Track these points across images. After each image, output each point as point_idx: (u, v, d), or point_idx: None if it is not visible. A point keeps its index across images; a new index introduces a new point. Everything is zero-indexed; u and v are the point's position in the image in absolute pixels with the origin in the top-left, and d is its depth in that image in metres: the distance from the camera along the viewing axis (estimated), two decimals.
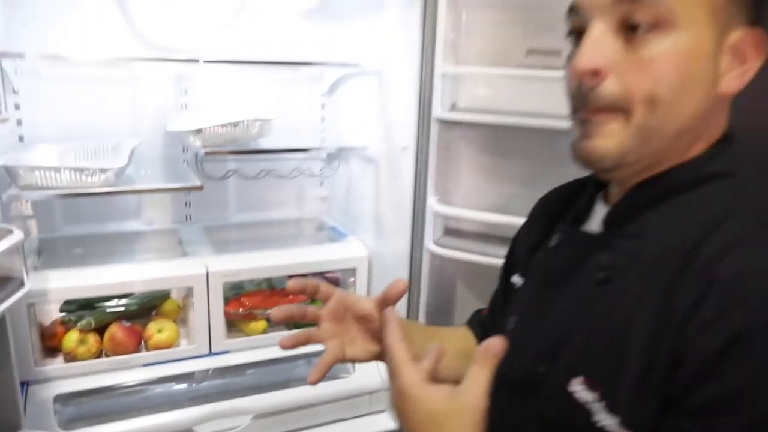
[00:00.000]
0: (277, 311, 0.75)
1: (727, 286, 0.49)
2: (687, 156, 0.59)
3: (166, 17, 1.51)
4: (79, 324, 1.34)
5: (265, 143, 1.55)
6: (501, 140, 1.37)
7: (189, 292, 1.42)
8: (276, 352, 1.46)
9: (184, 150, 1.63)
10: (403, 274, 1.43)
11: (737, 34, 0.55)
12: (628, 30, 0.54)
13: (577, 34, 0.58)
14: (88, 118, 1.51)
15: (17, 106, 1.43)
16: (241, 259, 1.45)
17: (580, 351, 0.59)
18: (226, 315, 1.44)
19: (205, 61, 1.32)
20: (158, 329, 1.39)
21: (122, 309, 1.40)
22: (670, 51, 0.53)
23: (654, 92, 0.53)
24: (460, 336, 0.91)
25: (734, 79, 0.56)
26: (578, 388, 0.58)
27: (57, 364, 1.33)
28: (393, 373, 0.59)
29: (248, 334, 1.49)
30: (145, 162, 1.54)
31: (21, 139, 1.44)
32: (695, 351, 0.49)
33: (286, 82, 1.72)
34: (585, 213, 0.69)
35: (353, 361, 0.79)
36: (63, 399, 1.29)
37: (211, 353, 1.43)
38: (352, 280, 1.58)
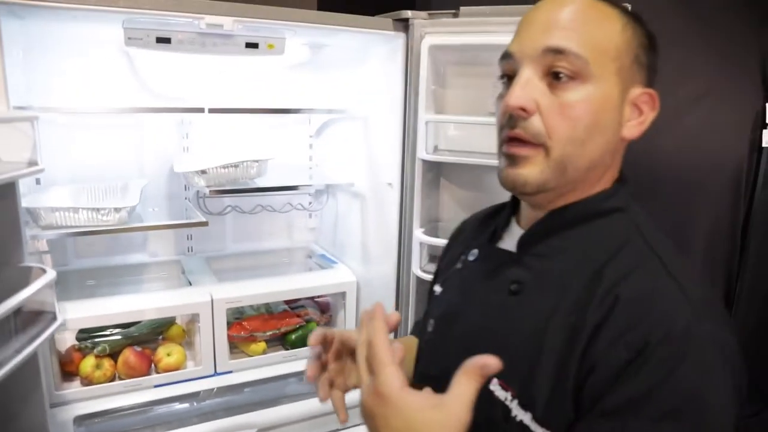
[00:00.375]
0: (309, 371, 0.78)
1: (630, 305, 0.59)
2: (593, 190, 0.70)
3: (168, 70, 1.66)
4: (95, 350, 1.46)
5: (259, 181, 1.70)
6: (478, 176, 1.55)
7: (194, 318, 1.55)
8: (275, 371, 1.61)
9: (185, 188, 1.77)
10: (390, 297, 1.59)
11: (636, 91, 0.67)
12: (552, 77, 0.64)
13: (508, 77, 0.68)
14: (98, 161, 1.65)
15: None
16: (242, 287, 1.59)
17: (496, 354, 0.58)
18: (229, 338, 1.57)
19: (210, 110, 1.47)
20: (167, 353, 1.52)
21: (134, 335, 1.53)
22: (586, 99, 0.63)
23: (571, 132, 0.64)
24: (413, 344, 0.93)
25: (634, 127, 0.68)
26: (495, 388, 0.65)
27: (75, 388, 1.44)
28: (374, 372, 0.56)
29: (249, 355, 1.62)
30: (150, 200, 1.68)
31: (38, 181, 1.57)
32: (606, 361, 0.57)
33: (277, 125, 1.89)
34: (500, 232, 0.78)
35: (355, 388, 0.77)
36: (81, 420, 1.40)
37: (216, 373, 1.56)
38: (343, 302, 1.73)
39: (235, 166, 1.57)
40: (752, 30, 2.01)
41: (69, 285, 1.63)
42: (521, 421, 0.62)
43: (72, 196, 1.55)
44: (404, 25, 1.43)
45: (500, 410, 0.64)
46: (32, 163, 0.99)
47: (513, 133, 0.66)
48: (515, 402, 0.63)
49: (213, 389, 1.55)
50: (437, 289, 0.87)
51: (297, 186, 1.76)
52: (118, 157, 1.68)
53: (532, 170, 0.66)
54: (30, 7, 1.07)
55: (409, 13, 1.41)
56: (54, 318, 1.11)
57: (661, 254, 0.64)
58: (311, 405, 1.48)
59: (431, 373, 0.74)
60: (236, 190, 1.59)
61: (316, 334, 0.77)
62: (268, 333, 1.63)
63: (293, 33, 1.41)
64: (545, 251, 0.69)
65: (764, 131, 2.12)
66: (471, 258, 0.80)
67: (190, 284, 1.65)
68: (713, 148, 2.10)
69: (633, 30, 0.67)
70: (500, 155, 0.70)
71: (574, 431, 0.59)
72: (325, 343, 0.77)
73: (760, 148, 2.13)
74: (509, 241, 0.75)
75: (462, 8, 1.38)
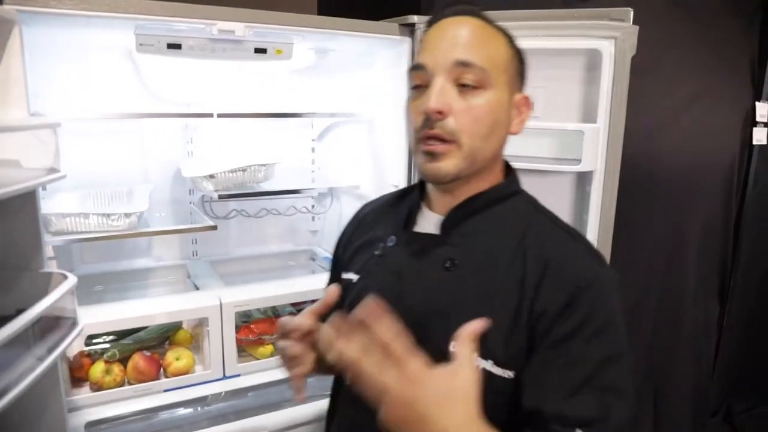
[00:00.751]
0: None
1: (558, 265, 0.77)
2: (493, 176, 0.86)
3: (174, 75, 1.67)
4: (104, 356, 1.46)
5: (264, 185, 1.71)
6: None
7: (202, 322, 1.55)
8: (283, 373, 1.61)
9: (190, 193, 1.78)
10: None
11: (518, 96, 0.84)
12: (461, 85, 0.78)
13: (418, 86, 0.81)
14: (101, 166, 1.66)
15: None
16: (249, 291, 1.60)
17: (449, 321, 0.73)
18: (238, 341, 1.58)
19: (219, 115, 1.48)
20: (176, 357, 1.52)
21: (143, 340, 1.53)
22: (488, 103, 0.79)
23: (476, 128, 0.79)
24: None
25: (517, 125, 0.85)
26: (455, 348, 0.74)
27: (85, 394, 1.44)
28: (401, 363, 0.63)
29: (257, 358, 1.63)
30: (155, 205, 1.69)
31: (44, 188, 1.56)
32: (550, 307, 0.75)
33: (279, 129, 1.91)
34: (414, 218, 0.90)
35: (311, 373, 0.90)
36: (93, 426, 1.40)
37: (224, 377, 1.57)
38: None
39: (243, 170, 1.58)
40: (744, 32, 2.07)
41: (77, 290, 1.62)
42: (483, 369, 0.75)
43: (79, 202, 1.55)
44: (410, 29, 1.46)
45: None
46: (53, 170, 1.00)
47: (432, 133, 0.78)
48: (475, 354, 0.72)
49: (221, 393, 1.56)
50: (352, 277, 0.94)
51: (300, 189, 1.77)
52: (122, 162, 1.69)
53: (449, 163, 0.79)
54: (48, 15, 1.07)
55: (414, 18, 1.44)
56: (74, 323, 1.11)
57: (559, 224, 0.85)
58: (320, 407, 1.49)
59: None
60: (243, 194, 1.60)
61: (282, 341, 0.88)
62: (276, 336, 1.64)
63: (301, 38, 1.43)
64: (468, 231, 0.83)
65: (754, 129, 2.18)
66: (390, 244, 0.89)
67: (197, 288, 1.66)
68: (709, 147, 2.16)
69: (513, 47, 0.84)
70: (418, 152, 0.82)
71: (530, 362, 0.75)
72: (287, 336, 0.89)
73: (751, 146, 2.19)
74: (426, 226, 0.88)
75: None
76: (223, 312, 1.53)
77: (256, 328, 1.63)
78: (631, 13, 1.36)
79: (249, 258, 1.92)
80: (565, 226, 0.85)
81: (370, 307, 0.66)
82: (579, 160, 1.37)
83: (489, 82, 0.78)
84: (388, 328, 0.65)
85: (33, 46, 1.46)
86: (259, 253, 1.95)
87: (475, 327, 0.67)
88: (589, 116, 1.43)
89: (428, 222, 0.88)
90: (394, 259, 0.88)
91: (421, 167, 0.82)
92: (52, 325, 1.06)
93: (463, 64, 0.77)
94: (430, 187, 0.89)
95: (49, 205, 1.46)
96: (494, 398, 0.74)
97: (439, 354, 0.69)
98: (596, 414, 0.71)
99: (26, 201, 1.00)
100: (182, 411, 1.53)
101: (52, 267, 1.59)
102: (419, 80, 0.81)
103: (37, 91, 1.47)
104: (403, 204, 0.94)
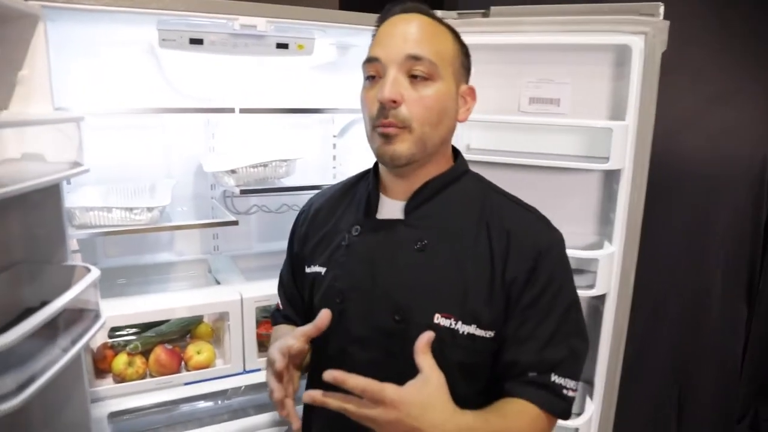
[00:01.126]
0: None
1: (519, 234, 0.88)
2: (444, 160, 0.93)
3: (196, 71, 1.68)
4: (127, 348, 1.48)
5: (285, 180, 1.71)
6: (505, 175, 1.55)
7: (223, 316, 1.56)
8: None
9: (211, 188, 1.79)
10: None
11: (463, 87, 0.92)
12: (412, 77, 0.85)
13: (372, 77, 0.88)
14: (124, 161, 1.67)
15: None
16: (270, 286, 1.60)
17: (429, 297, 0.87)
18: (258, 336, 1.59)
19: (241, 110, 1.48)
20: (197, 351, 1.53)
21: (165, 333, 1.54)
22: (436, 93, 0.86)
23: (426, 116, 0.85)
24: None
25: (463, 113, 0.93)
26: (439, 320, 0.86)
27: (108, 385, 1.46)
28: (377, 398, 0.72)
29: None
30: (177, 199, 1.69)
31: (68, 182, 1.58)
32: (520, 272, 0.86)
33: (301, 125, 1.90)
34: (374, 207, 0.95)
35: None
36: (115, 416, 1.42)
37: (245, 371, 1.57)
38: None
39: (265, 165, 1.58)
40: None
41: (101, 283, 1.64)
42: (468, 333, 0.86)
43: (102, 196, 1.56)
44: None
45: (447, 333, 0.85)
46: (77, 164, 1.00)
47: (386, 121, 0.85)
48: (459, 323, 0.86)
49: (241, 387, 1.57)
50: (318, 270, 0.99)
51: (321, 185, 1.77)
52: (145, 157, 1.70)
53: (402, 146, 0.86)
54: (72, 10, 1.08)
55: (438, 14, 1.41)
56: (97, 316, 1.12)
57: (511, 198, 0.95)
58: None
59: (360, 334, 0.90)
60: (265, 189, 1.60)
61: (280, 366, 0.86)
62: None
63: (323, 33, 1.42)
64: (429, 212, 0.91)
65: None
66: (355, 233, 0.95)
67: (218, 283, 1.67)
68: (737, 145, 2.10)
69: (458, 42, 0.91)
70: (374, 137, 0.88)
71: (508, 324, 0.86)
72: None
73: None
74: (388, 212, 0.94)
75: (492, 8, 1.39)
76: (244, 307, 1.54)
77: None
78: (662, 8, 1.32)
79: (270, 253, 1.92)
80: (516, 198, 0.95)
81: (334, 374, 0.74)
82: (607, 158, 1.34)
83: (437, 74, 0.85)
84: (357, 378, 0.73)
85: (58, 41, 1.48)
86: (280, 249, 1.93)
87: (427, 338, 0.77)
88: (617, 113, 1.40)
89: (390, 208, 0.94)
90: (362, 246, 0.93)
91: (377, 150, 0.89)
92: (75, 317, 1.07)
93: (414, 58, 0.84)
94: (385, 176, 0.95)
95: (73, 198, 1.48)
96: (476, 357, 0.88)
97: (426, 326, 0.82)
98: (564, 356, 0.86)
99: (50, 194, 1.01)
100: (203, 404, 1.54)
101: (76, 260, 1.61)
102: (373, 71, 0.88)
103: (63, 86, 1.50)
104: (357, 193, 1.01)
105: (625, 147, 1.34)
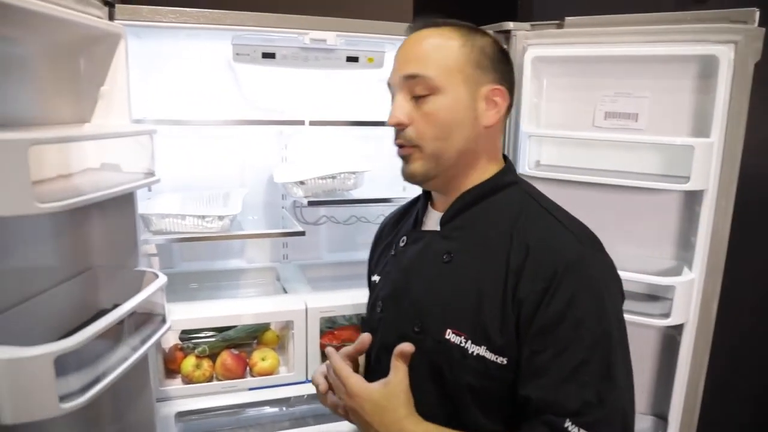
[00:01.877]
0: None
1: (537, 249, 0.81)
2: (479, 171, 0.90)
3: (269, 84, 1.72)
4: (196, 351, 1.53)
5: (354, 192, 1.72)
6: (574, 193, 1.47)
7: (288, 325, 1.59)
8: None
9: (282, 198, 1.83)
10: None
11: (486, 88, 0.86)
12: (415, 97, 0.85)
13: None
14: (203, 171, 1.74)
15: None
16: (336, 297, 1.61)
17: (444, 311, 0.85)
18: (321, 346, 1.60)
19: (311, 122, 1.51)
20: (262, 357, 1.56)
21: (232, 338, 1.58)
22: (440, 107, 0.84)
23: (433, 132, 0.85)
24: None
25: (491, 116, 0.87)
26: (450, 336, 0.84)
27: (176, 385, 1.51)
28: (344, 384, 0.85)
29: None
30: (249, 208, 1.75)
31: (149, 189, 1.67)
32: (530, 294, 0.78)
33: (370, 137, 1.91)
34: (421, 219, 0.97)
35: None
36: (182, 416, 1.47)
37: (307, 380, 1.59)
38: None
39: (333, 177, 1.60)
40: None
41: (175, 287, 1.72)
42: (478, 354, 0.82)
43: (179, 204, 1.63)
44: (505, 37, 1.41)
45: (457, 352, 0.83)
46: (150, 173, 1.05)
47: (398, 142, 0.88)
48: (469, 342, 0.82)
49: (304, 395, 1.58)
50: (375, 278, 1.04)
51: (391, 198, 1.77)
52: (220, 166, 1.76)
53: (415, 164, 0.87)
54: (152, 27, 1.14)
55: (511, 25, 1.39)
56: (163, 320, 1.16)
57: (551, 210, 0.87)
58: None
59: (389, 341, 0.90)
60: (333, 201, 1.62)
61: (323, 389, 0.96)
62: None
63: (393, 46, 1.42)
64: (462, 224, 0.90)
65: None
66: (402, 244, 0.98)
67: (285, 291, 1.69)
68: None
69: (471, 44, 0.86)
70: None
71: (523, 350, 0.79)
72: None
73: None
74: (430, 224, 0.96)
75: (567, 18, 1.33)
76: (309, 317, 1.55)
77: (339, 335, 1.64)
78: (757, 14, 1.22)
79: (338, 264, 1.94)
80: (556, 208, 0.88)
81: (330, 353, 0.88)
82: (687, 178, 1.25)
83: (439, 87, 0.84)
84: (335, 359, 0.87)
85: (139, 55, 1.57)
86: (347, 260, 1.96)
87: (404, 348, 0.83)
88: (700, 130, 1.30)
89: (432, 220, 0.96)
90: (404, 256, 0.96)
91: (402, 170, 0.92)
92: (144, 319, 1.12)
93: (410, 77, 0.85)
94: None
95: (152, 205, 1.55)
96: (485, 383, 0.82)
97: (438, 341, 0.84)
98: (586, 401, 0.74)
99: (125, 203, 1.06)
100: (268, 410, 1.57)
101: (154, 263, 1.70)
102: (392, 96, 0.91)
103: (144, 98, 1.59)
104: (414, 208, 1.03)
105: (709, 166, 1.24)
